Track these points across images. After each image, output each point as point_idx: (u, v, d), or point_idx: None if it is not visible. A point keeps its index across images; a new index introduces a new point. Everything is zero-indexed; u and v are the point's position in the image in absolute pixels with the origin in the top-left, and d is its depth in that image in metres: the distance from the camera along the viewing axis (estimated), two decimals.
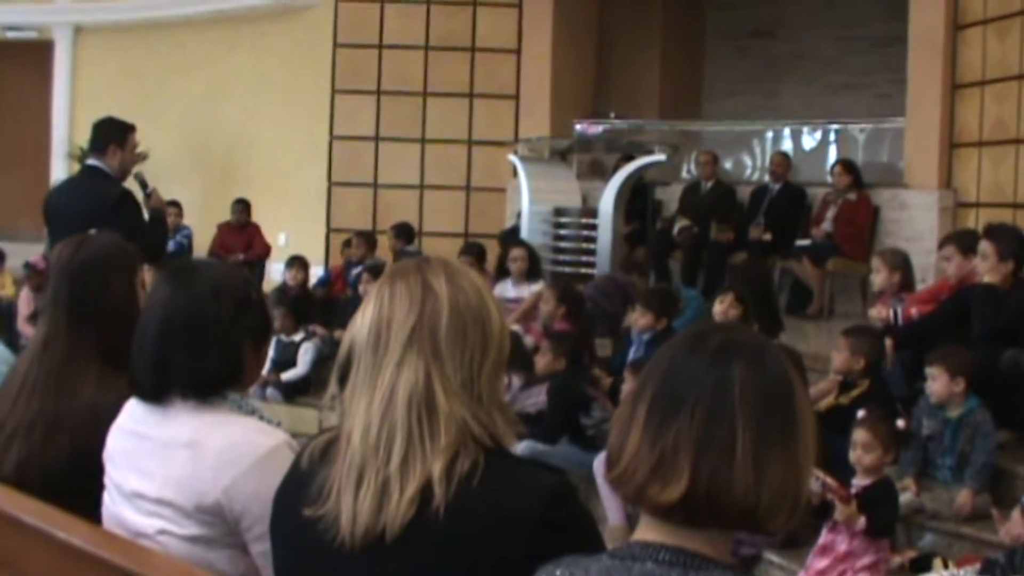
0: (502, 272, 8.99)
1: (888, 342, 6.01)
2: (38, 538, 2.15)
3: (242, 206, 11.58)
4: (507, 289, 8.70)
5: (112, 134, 5.75)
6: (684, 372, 1.53)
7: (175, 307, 2.32)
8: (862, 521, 4.51)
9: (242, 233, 11.45)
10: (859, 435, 4.75)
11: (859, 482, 4.71)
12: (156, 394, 2.31)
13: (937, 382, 5.34)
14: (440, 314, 1.80)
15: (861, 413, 4.98)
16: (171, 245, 11.27)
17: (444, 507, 1.71)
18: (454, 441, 1.75)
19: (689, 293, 8.53)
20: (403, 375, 1.78)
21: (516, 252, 8.88)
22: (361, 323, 1.84)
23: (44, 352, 2.72)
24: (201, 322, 2.31)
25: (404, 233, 10.76)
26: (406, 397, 1.77)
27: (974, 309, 5.88)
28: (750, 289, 6.81)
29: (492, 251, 10.21)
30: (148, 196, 5.98)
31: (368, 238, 10.54)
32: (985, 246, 5.94)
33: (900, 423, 5.11)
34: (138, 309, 2.53)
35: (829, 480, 4.51)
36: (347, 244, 10.80)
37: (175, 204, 11.24)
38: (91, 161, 5.83)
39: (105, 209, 5.44)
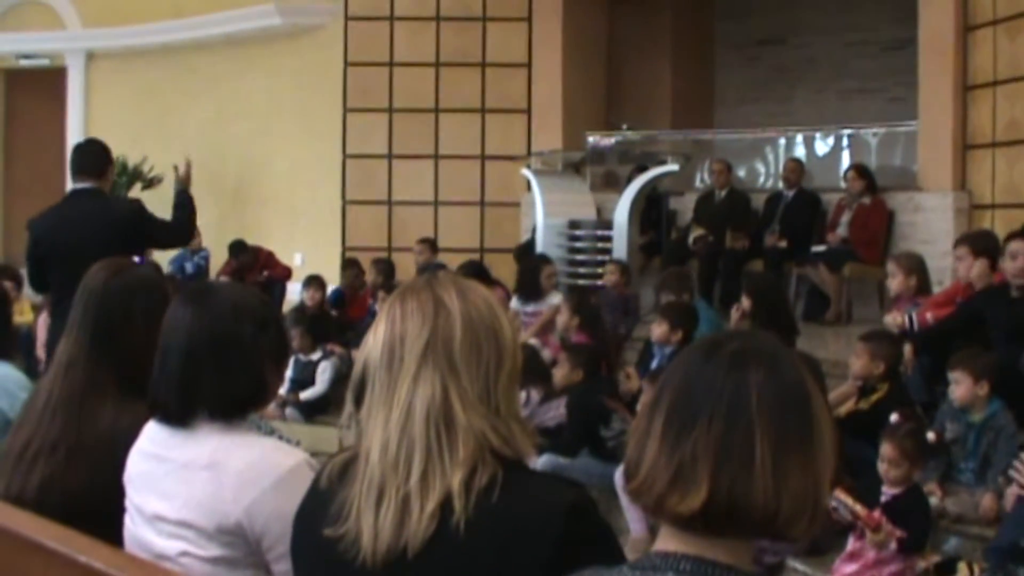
0: (523, 287, 8.88)
1: (907, 347, 5.98)
2: (60, 562, 2.15)
3: (239, 248, 11.08)
4: (526, 303, 8.66)
5: (105, 156, 5.80)
6: (700, 381, 1.51)
7: (199, 328, 2.32)
8: (894, 544, 4.46)
9: (255, 268, 11.09)
10: (886, 449, 4.65)
11: (888, 490, 4.66)
12: (182, 416, 2.31)
13: (961, 386, 5.30)
14: (453, 328, 1.80)
15: (894, 417, 4.86)
16: (190, 267, 11.34)
17: (464, 522, 1.71)
18: (472, 454, 1.75)
19: (702, 308, 8.40)
20: (419, 390, 1.78)
21: (550, 268, 8.83)
22: (374, 342, 1.84)
23: (66, 373, 2.73)
24: (226, 342, 2.31)
25: (431, 246, 10.69)
26: (424, 412, 1.77)
27: (990, 311, 5.84)
28: (762, 297, 6.77)
29: (509, 266, 10.20)
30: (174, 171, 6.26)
31: (386, 265, 10.23)
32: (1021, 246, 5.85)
33: (931, 435, 5.02)
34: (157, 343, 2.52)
35: (858, 508, 4.43)
36: (349, 264, 10.60)
37: None
38: (88, 184, 5.67)
39: (136, 225, 5.57)
